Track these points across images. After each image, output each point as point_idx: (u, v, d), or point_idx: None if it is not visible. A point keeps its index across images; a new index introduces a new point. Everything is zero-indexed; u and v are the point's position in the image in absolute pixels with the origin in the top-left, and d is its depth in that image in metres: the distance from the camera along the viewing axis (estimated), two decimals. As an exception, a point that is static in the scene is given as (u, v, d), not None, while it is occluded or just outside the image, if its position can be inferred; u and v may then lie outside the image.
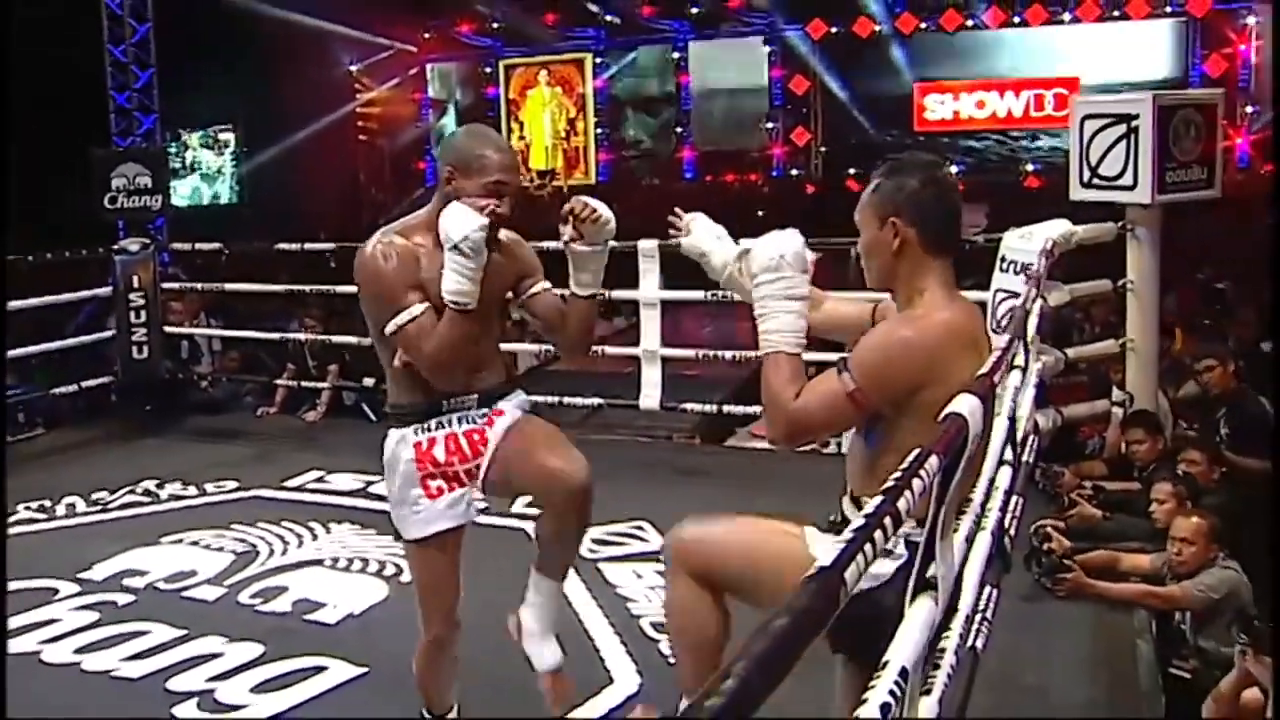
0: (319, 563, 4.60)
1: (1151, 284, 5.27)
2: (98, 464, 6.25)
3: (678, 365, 6.29)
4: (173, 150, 16.47)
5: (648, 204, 14.60)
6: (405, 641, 2.91)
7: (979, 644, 2.18)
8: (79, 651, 3.84)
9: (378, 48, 18.77)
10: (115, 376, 7.07)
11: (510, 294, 2.84)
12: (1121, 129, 5.10)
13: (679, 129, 18.76)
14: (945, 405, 1.71)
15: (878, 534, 1.26)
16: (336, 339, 6.84)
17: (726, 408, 6.05)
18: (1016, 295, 4.31)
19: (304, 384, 7.14)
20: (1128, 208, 5.20)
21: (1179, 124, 5.12)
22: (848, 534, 1.24)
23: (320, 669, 3.63)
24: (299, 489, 5.63)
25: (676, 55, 18.60)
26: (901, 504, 1.34)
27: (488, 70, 19.66)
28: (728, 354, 6.00)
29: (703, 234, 2.66)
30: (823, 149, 17.87)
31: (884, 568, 2.02)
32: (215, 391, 7.66)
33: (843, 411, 2.17)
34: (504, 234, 2.71)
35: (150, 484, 5.74)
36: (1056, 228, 4.81)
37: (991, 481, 2.30)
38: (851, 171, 16.11)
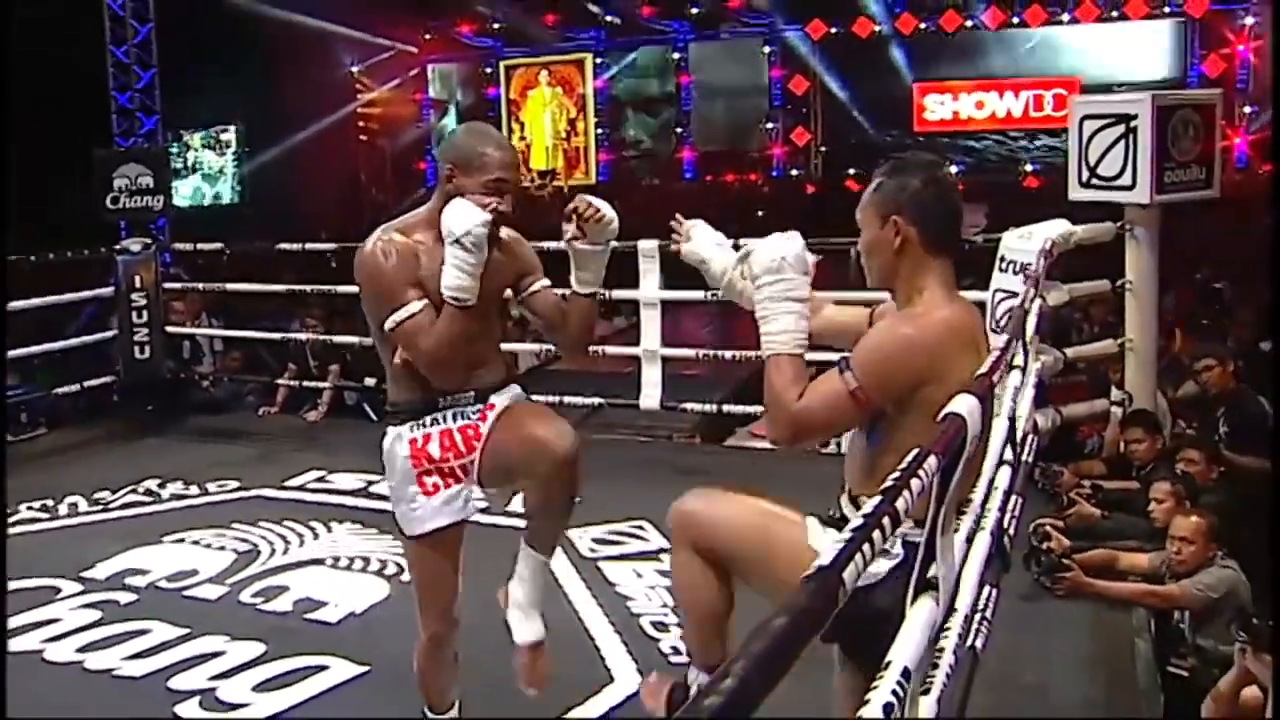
0: (320, 562, 4.61)
1: (1150, 284, 5.28)
2: (100, 464, 6.26)
3: (678, 365, 6.31)
4: (174, 151, 16.50)
5: (648, 204, 14.63)
6: (406, 641, 2.92)
7: (978, 643, 2.19)
8: (81, 650, 3.85)
9: (379, 48, 18.80)
10: (117, 376, 7.08)
11: (510, 292, 2.85)
12: (1120, 129, 5.11)
13: (679, 129, 18.78)
14: (945, 404, 1.71)
15: (876, 534, 1.26)
16: (338, 339, 6.86)
17: (726, 407, 6.06)
18: (1015, 295, 4.31)
19: (305, 384, 7.16)
20: (1126, 208, 5.21)
21: (1177, 124, 5.13)
22: (846, 533, 1.24)
23: (321, 668, 3.64)
24: (300, 488, 5.64)
25: (676, 55, 18.62)
26: (900, 504, 1.35)
27: (488, 71, 19.68)
28: (728, 354, 6.01)
29: (703, 241, 2.66)
30: (822, 149, 17.89)
31: (879, 567, 2.03)
32: (217, 391, 7.67)
33: (846, 411, 2.18)
34: (504, 232, 2.71)
35: (152, 483, 5.75)
36: (1055, 228, 4.82)
37: (991, 481, 2.31)
38: (851, 171, 16.13)
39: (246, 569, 4.55)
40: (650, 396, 5.91)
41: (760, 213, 16.00)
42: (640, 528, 4.80)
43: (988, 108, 16.85)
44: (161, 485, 5.73)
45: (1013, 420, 2.66)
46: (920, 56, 16.89)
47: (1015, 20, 16.02)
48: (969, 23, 16.26)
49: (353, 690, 3.52)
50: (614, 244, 2.78)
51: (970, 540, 2.00)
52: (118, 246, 7.08)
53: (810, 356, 2.27)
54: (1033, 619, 3.89)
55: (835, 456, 2.45)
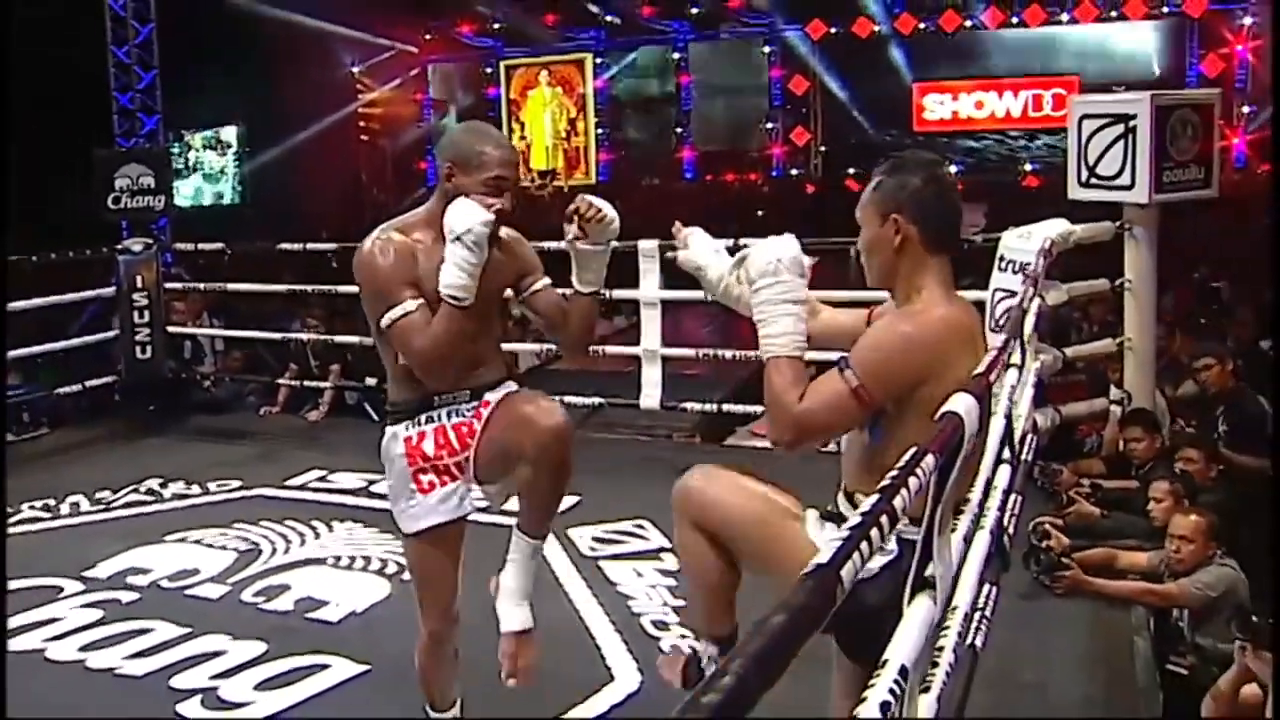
0: (321, 561, 4.62)
1: (1149, 283, 5.29)
2: (101, 463, 6.27)
3: (678, 364, 6.31)
4: (175, 151, 16.52)
5: (648, 204, 14.65)
6: (407, 639, 2.93)
7: (978, 641, 2.19)
8: (83, 649, 3.86)
9: (379, 49, 18.82)
10: (119, 376, 7.09)
11: (511, 292, 2.86)
12: (1119, 129, 5.11)
13: (679, 129, 18.79)
14: (943, 403, 1.72)
15: (874, 532, 1.27)
16: (338, 339, 6.87)
17: (726, 407, 6.07)
18: (1015, 295, 4.32)
19: (306, 384, 7.17)
20: (1125, 207, 5.22)
21: (1176, 124, 5.14)
22: (845, 530, 1.25)
23: (323, 667, 3.65)
24: (301, 488, 5.65)
25: (676, 55, 18.64)
26: (897, 502, 1.35)
27: (489, 71, 19.70)
28: (728, 353, 6.01)
29: (700, 247, 2.64)
30: (822, 149, 17.91)
31: (872, 563, 2.04)
32: (218, 391, 7.68)
33: (848, 411, 2.17)
34: (504, 232, 2.71)
35: (154, 483, 5.76)
36: (1055, 227, 4.82)
37: (990, 480, 2.31)
38: (851, 171, 16.15)
39: (248, 568, 4.56)
40: (650, 396, 5.92)
41: (760, 212, 16.02)
42: (640, 527, 4.81)
43: (987, 107, 16.87)
44: (163, 485, 5.74)
45: (1011, 419, 2.67)
46: (920, 56, 16.90)
47: (1014, 20, 16.02)
48: (968, 23, 16.27)
49: (354, 689, 3.53)
50: (614, 244, 2.79)
51: (970, 539, 2.00)
52: (119, 246, 7.08)
53: (810, 355, 2.27)
54: (1032, 617, 3.90)
55: (835, 455, 2.44)
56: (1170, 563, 4.06)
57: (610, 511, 4.92)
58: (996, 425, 2.46)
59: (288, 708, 3.43)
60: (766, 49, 18.04)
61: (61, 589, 4.38)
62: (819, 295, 2.62)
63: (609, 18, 18.34)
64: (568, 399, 5.98)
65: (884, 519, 1.31)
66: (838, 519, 2.24)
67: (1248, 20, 15.08)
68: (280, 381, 7.31)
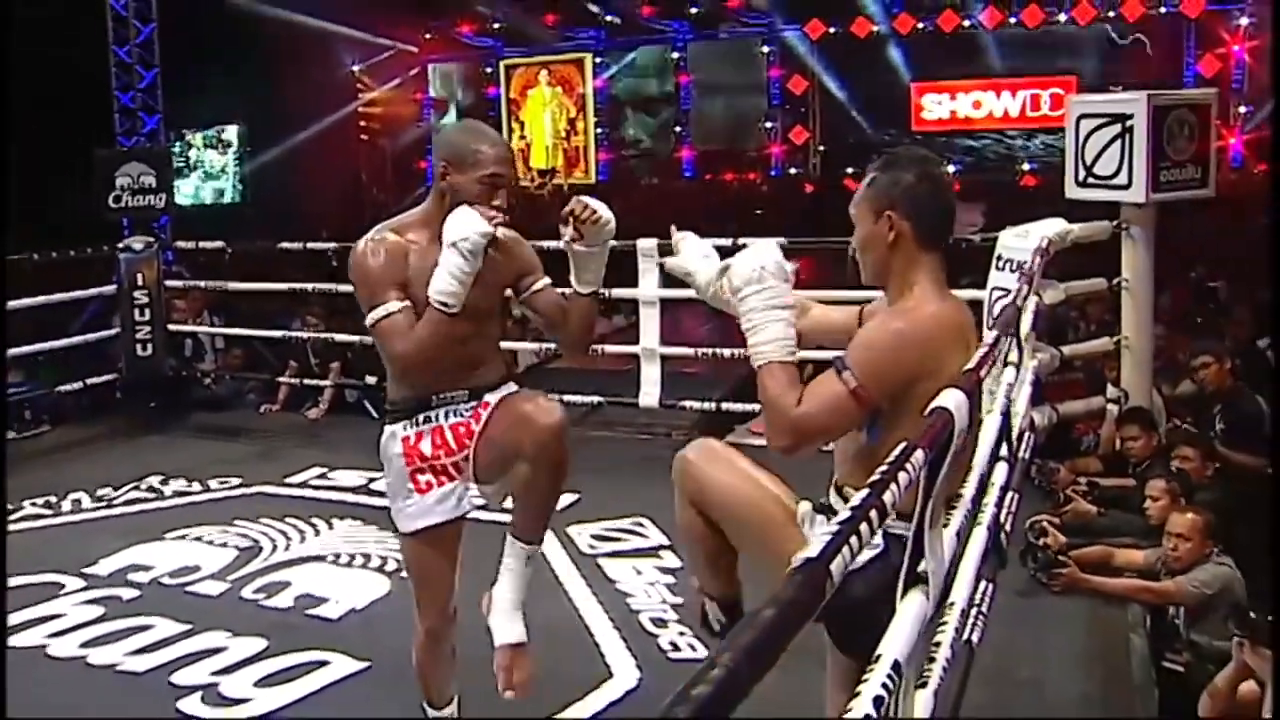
0: (321, 558, 4.64)
1: (1146, 282, 5.30)
2: (102, 460, 6.29)
3: (677, 363, 6.33)
4: (176, 150, 16.50)
5: (648, 203, 14.67)
6: (407, 636, 2.94)
7: (974, 638, 2.21)
8: (84, 646, 3.88)
9: (379, 48, 18.81)
10: (120, 374, 7.11)
11: (511, 292, 2.86)
12: (1116, 128, 5.13)
13: (679, 129, 18.79)
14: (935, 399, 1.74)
15: (864, 527, 1.28)
16: (338, 337, 6.88)
17: (725, 405, 6.08)
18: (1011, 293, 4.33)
19: (306, 381, 7.18)
20: (1123, 206, 5.24)
21: (1173, 123, 5.16)
22: (835, 525, 1.26)
23: (323, 663, 3.67)
24: (301, 485, 5.66)
25: (676, 55, 18.63)
26: (887, 497, 1.36)
27: (488, 70, 19.70)
28: (726, 352, 6.02)
29: (689, 254, 2.60)
30: (821, 148, 17.90)
31: (859, 557, 2.05)
32: (218, 389, 7.69)
33: (848, 412, 2.16)
34: (503, 232, 2.70)
35: (154, 480, 5.78)
36: (1052, 226, 4.84)
37: (987, 477, 2.32)
38: (849, 170, 16.14)
39: (248, 565, 4.58)
40: (649, 394, 5.94)
41: (759, 211, 16.03)
42: (640, 524, 4.82)
43: (985, 107, 16.85)
44: (164, 482, 5.76)
45: (1009, 416, 2.68)
46: (918, 56, 16.89)
47: (1012, 20, 16.02)
48: (966, 22, 16.26)
49: (354, 686, 3.54)
50: (613, 243, 2.78)
51: (966, 536, 2.01)
52: (120, 245, 7.10)
53: (804, 355, 2.28)
54: (1029, 614, 3.92)
55: (832, 453, 2.46)
56: (1167, 560, 4.08)
57: (609, 509, 4.93)
58: (994, 422, 2.48)
59: (288, 704, 3.45)
60: (765, 49, 18.03)
61: (63, 586, 4.39)
62: (816, 295, 2.63)
63: (609, 17, 18.34)
64: (567, 397, 6.00)
65: (874, 513, 1.32)
66: (829, 512, 2.25)
67: (1244, 20, 15.07)
68: (280, 379, 7.33)
